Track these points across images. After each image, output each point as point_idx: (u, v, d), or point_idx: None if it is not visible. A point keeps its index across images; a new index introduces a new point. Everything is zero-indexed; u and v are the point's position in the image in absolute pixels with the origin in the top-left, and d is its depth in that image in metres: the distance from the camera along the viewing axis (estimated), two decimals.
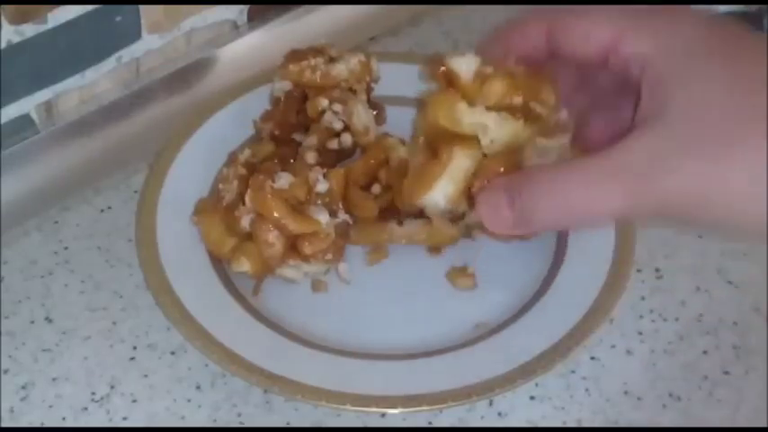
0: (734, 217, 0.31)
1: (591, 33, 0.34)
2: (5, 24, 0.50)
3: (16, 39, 0.51)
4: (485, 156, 0.37)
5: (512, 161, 0.37)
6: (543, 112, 0.36)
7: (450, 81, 0.37)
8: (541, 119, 0.37)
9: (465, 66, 0.36)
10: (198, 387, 0.47)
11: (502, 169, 0.37)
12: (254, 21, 0.63)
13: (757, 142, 0.29)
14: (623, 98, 0.36)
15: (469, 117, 0.37)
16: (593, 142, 0.39)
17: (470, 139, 0.37)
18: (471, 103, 0.36)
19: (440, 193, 0.38)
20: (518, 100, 0.36)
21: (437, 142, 0.38)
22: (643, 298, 0.51)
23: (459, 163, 0.37)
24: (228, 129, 0.55)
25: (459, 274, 0.50)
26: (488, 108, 0.36)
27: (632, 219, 0.37)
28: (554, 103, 0.37)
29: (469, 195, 0.38)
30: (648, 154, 0.30)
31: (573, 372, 0.48)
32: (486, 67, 0.36)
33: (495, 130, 0.36)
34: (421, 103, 0.39)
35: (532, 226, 0.34)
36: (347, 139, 0.51)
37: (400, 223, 0.50)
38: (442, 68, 0.37)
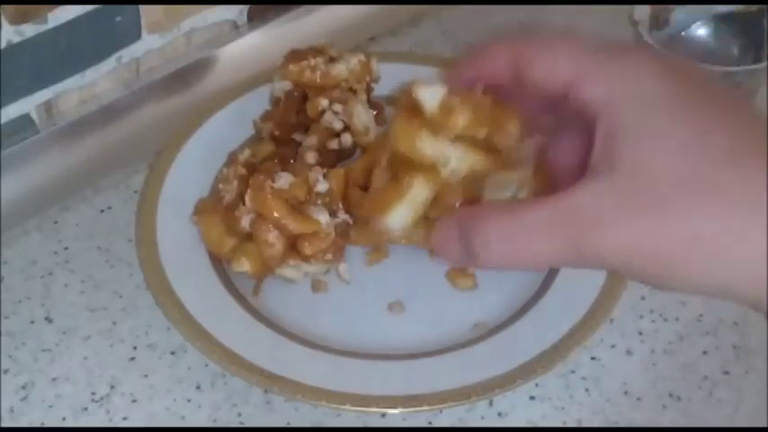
0: (670, 278, 0.31)
1: (553, 69, 0.34)
2: (5, 24, 0.50)
3: (16, 39, 0.51)
4: (444, 185, 0.37)
5: (470, 191, 0.37)
6: (506, 145, 0.36)
7: (415, 110, 0.37)
8: (503, 152, 0.37)
9: (431, 96, 0.36)
10: (198, 387, 0.47)
11: (460, 198, 0.37)
12: (254, 21, 0.63)
13: (693, 207, 0.29)
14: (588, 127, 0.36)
15: (431, 148, 0.37)
16: (558, 166, 0.38)
17: (431, 168, 0.37)
18: (434, 133, 0.36)
19: (396, 218, 0.38)
20: (482, 133, 0.36)
21: (398, 166, 0.38)
22: (643, 298, 0.51)
23: (418, 191, 0.38)
24: (228, 129, 0.55)
25: (459, 274, 0.50)
26: (451, 140, 0.36)
27: (577, 267, 0.37)
28: (517, 136, 0.37)
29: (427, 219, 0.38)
30: (590, 208, 0.31)
31: (573, 372, 0.48)
32: (451, 98, 0.36)
33: (456, 161, 0.36)
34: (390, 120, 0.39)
35: (479, 262, 0.34)
36: (347, 139, 0.51)
37: None
38: (409, 97, 0.36)
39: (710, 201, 0.29)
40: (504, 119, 0.36)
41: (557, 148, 0.38)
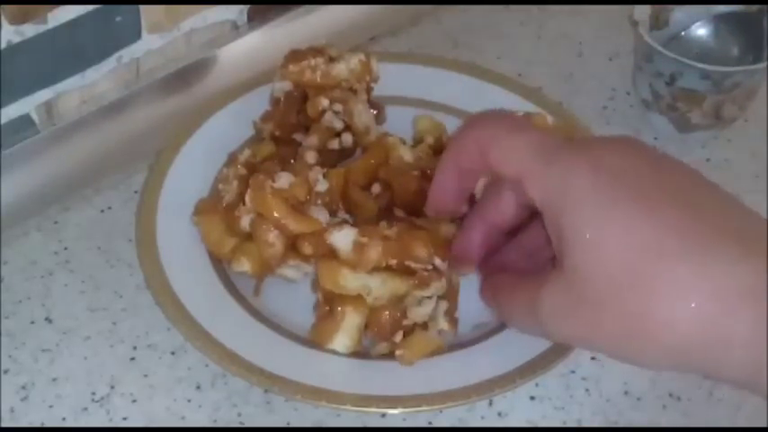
0: (623, 357, 0.35)
1: (504, 161, 0.38)
2: (5, 24, 0.50)
3: (16, 39, 0.51)
4: (372, 309, 0.43)
5: (396, 309, 0.43)
6: (417, 266, 0.42)
7: (333, 253, 0.43)
8: (417, 272, 0.42)
9: (343, 239, 0.42)
10: (198, 387, 0.47)
11: (389, 316, 0.43)
12: (254, 21, 0.63)
13: (624, 305, 0.33)
14: None
15: (352, 282, 0.42)
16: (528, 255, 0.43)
17: (357, 299, 0.43)
18: (353, 269, 0.42)
19: (338, 345, 0.44)
20: (392, 261, 0.42)
21: (331, 300, 0.44)
22: None
23: (351, 320, 0.43)
24: (228, 129, 0.55)
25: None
26: (369, 272, 0.42)
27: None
28: (426, 256, 0.42)
29: (377, 332, 0.44)
30: (550, 305, 0.36)
31: (573, 372, 0.48)
32: (361, 237, 0.42)
33: (377, 289, 0.42)
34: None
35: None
36: (348, 138, 0.51)
37: None
38: (325, 243, 0.43)
39: (642, 296, 0.32)
40: (411, 244, 0.42)
41: (524, 240, 0.43)
